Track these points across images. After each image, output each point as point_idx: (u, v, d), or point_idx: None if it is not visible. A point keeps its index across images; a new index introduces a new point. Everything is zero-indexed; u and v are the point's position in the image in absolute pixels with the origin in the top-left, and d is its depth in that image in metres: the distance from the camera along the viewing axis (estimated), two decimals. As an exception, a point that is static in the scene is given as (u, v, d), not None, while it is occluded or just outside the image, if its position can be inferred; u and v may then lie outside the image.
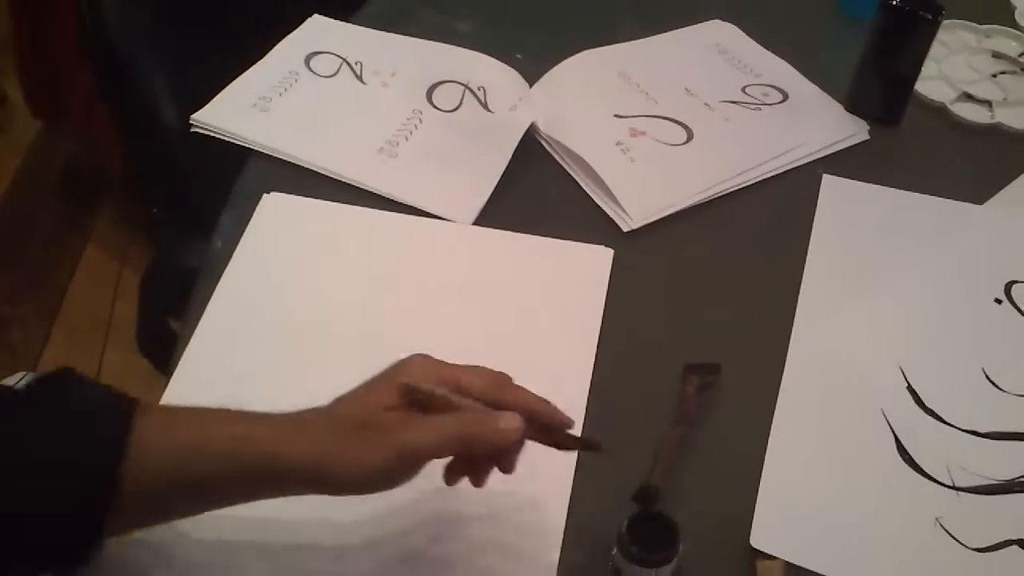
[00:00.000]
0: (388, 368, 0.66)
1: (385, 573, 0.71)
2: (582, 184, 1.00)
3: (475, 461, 0.66)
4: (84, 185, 2.25)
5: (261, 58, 1.11)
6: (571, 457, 0.77)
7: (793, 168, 1.03)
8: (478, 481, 0.67)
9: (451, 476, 0.67)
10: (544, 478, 0.75)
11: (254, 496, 0.63)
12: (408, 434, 0.61)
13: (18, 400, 0.61)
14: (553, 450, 0.73)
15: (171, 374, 0.82)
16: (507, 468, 0.66)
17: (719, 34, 1.21)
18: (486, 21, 1.20)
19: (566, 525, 0.73)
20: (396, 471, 0.62)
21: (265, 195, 0.96)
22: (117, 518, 0.59)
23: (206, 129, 1.02)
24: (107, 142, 1.88)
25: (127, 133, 1.42)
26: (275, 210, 0.95)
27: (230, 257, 0.90)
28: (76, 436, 0.59)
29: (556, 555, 0.71)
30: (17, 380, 0.62)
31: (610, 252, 0.93)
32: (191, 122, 1.03)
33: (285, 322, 0.86)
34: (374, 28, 1.18)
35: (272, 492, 0.63)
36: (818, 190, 1.01)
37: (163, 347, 0.96)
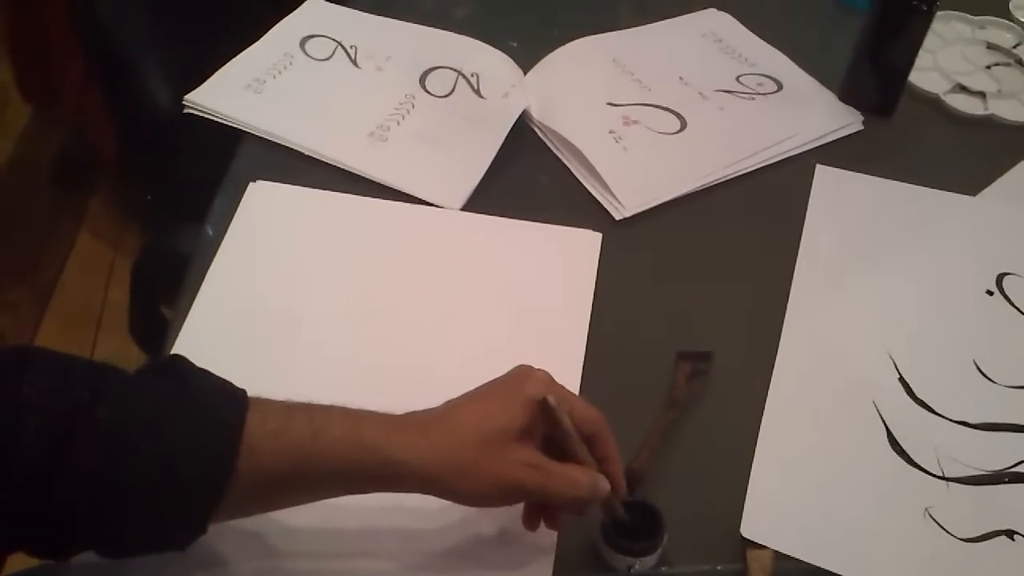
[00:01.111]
0: (508, 377, 0.66)
1: (380, 561, 0.70)
2: (574, 172, 1.00)
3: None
4: (76, 171, 2.24)
5: (256, 40, 1.11)
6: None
7: (786, 158, 1.03)
8: (555, 524, 0.69)
9: (531, 521, 0.69)
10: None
11: (362, 491, 0.64)
12: (528, 477, 0.63)
13: (137, 383, 0.61)
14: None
15: (162, 360, 0.81)
16: (558, 525, 0.69)
17: (714, 23, 1.21)
18: (481, 8, 1.20)
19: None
20: (501, 500, 0.65)
21: (251, 184, 0.95)
22: (224, 509, 0.59)
23: (198, 110, 1.02)
24: (100, 128, 1.87)
25: (120, 118, 1.41)
26: (261, 198, 0.95)
27: (221, 244, 0.90)
28: (194, 427, 0.59)
29: (553, 543, 0.71)
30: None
31: (598, 236, 0.93)
32: (184, 103, 1.02)
33: (276, 309, 0.86)
34: (370, 13, 1.17)
35: (382, 489, 0.64)
36: (811, 180, 1.01)
37: (155, 334, 0.96)
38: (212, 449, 0.58)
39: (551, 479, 0.63)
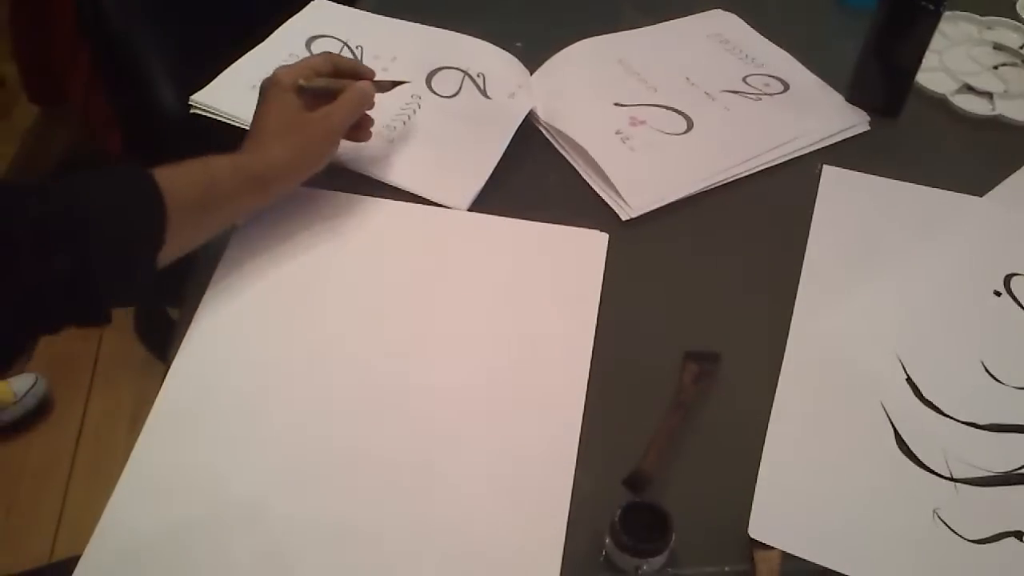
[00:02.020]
0: (265, 94, 0.88)
1: (385, 561, 0.70)
2: (581, 172, 1.00)
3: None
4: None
5: (262, 40, 1.11)
6: (572, 447, 0.77)
7: (793, 158, 1.03)
8: (364, 136, 0.96)
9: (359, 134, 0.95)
10: (545, 468, 0.75)
11: (256, 199, 0.87)
12: (331, 117, 0.89)
13: (65, 178, 0.77)
14: (554, 444, 0.77)
15: (169, 362, 0.82)
16: (366, 136, 0.96)
17: (720, 23, 1.21)
18: (488, 8, 1.20)
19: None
20: (333, 147, 0.91)
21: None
22: (170, 235, 0.77)
23: (205, 110, 1.02)
24: (105, 127, 1.88)
25: (126, 118, 1.42)
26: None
27: (227, 245, 0.90)
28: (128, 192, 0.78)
29: (560, 541, 0.71)
30: (29, 387, 0.70)
31: (605, 236, 0.92)
32: (190, 103, 1.02)
33: (282, 310, 0.86)
34: (376, 13, 1.17)
35: (257, 196, 0.87)
36: (818, 181, 1.00)
37: (160, 334, 0.96)
38: (145, 194, 0.77)
39: (339, 110, 0.89)
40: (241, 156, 0.86)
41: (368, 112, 0.94)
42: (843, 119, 1.07)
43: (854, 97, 1.10)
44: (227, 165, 0.84)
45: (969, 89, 1.13)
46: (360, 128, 0.95)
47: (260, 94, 0.89)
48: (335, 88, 0.90)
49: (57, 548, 1.65)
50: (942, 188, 1.00)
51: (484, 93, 1.07)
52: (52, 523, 1.70)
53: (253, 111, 1.00)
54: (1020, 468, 0.78)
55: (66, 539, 1.66)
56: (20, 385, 1.85)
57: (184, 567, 0.70)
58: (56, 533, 1.68)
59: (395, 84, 0.97)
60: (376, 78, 0.94)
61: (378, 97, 1.05)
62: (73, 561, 0.69)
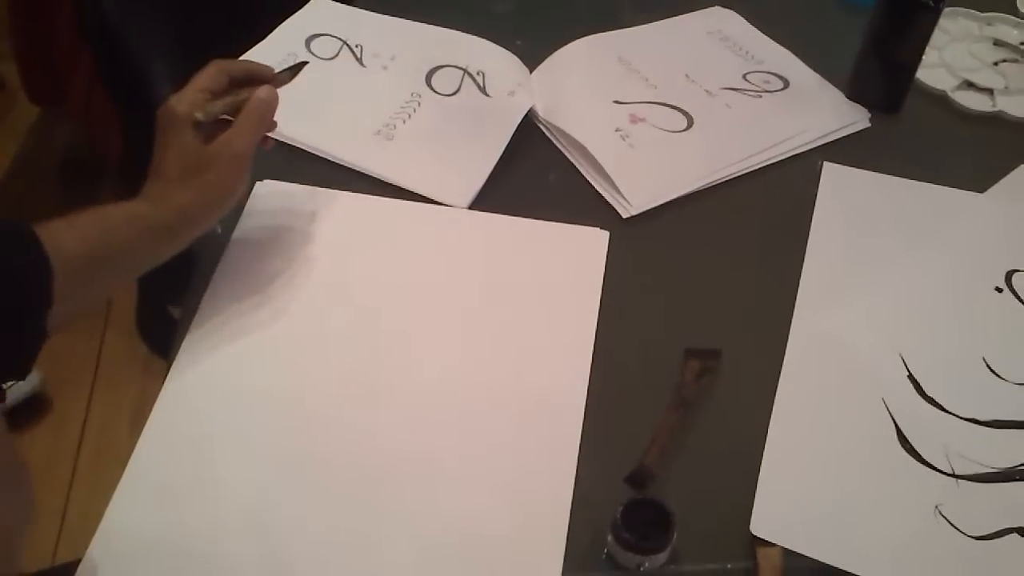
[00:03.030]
0: (161, 132, 0.80)
1: (387, 559, 0.70)
2: (581, 170, 1.00)
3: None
4: (83, 171, 2.24)
5: (262, 40, 1.11)
6: (574, 444, 0.77)
7: (793, 155, 1.03)
8: (266, 144, 0.89)
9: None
10: (547, 465, 0.75)
11: (159, 250, 0.80)
12: (234, 146, 0.81)
13: None
14: (555, 442, 0.76)
15: (171, 360, 0.82)
16: (266, 144, 0.89)
17: (720, 21, 1.21)
18: (487, 7, 1.20)
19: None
20: (243, 173, 0.82)
21: (258, 183, 0.95)
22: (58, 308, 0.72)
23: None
24: (106, 128, 1.88)
25: (126, 117, 1.42)
26: (268, 197, 0.95)
27: (228, 243, 0.90)
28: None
29: (562, 538, 0.71)
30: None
31: (606, 234, 0.92)
32: (189, 104, 1.02)
33: (283, 307, 0.86)
34: (376, 12, 1.17)
35: (170, 245, 0.80)
36: (818, 177, 1.00)
37: (162, 332, 0.96)
38: (28, 255, 0.71)
39: (243, 130, 0.82)
40: (140, 204, 0.79)
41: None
42: (843, 116, 1.07)
43: (854, 94, 1.09)
44: (122, 216, 0.77)
45: (969, 85, 1.13)
46: (265, 137, 0.88)
47: (157, 128, 0.81)
48: (235, 107, 0.83)
49: (60, 548, 1.65)
50: (943, 184, 1.00)
51: (484, 91, 1.07)
52: (55, 523, 1.70)
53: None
54: (1021, 464, 0.78)
55: (68, 539, 1.66)
56: None
57: (185, 568, 0.70)
58: (59, 533, 1.68)
59: (297, 69, 0.89)
60: (276, 71, 0.88)
61: (377, 95, 1.06)
62: (75, 565, 0.69)
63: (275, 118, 0.85)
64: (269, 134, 0.88)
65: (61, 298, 0.71)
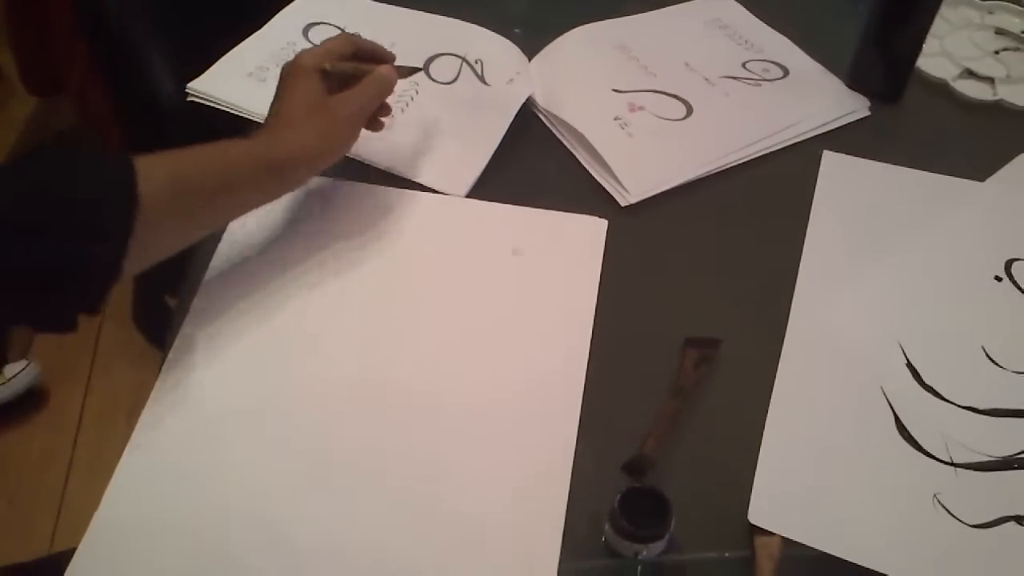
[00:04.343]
0: (286, 78, 0.84)
1: (385, 546, 0.70)
2: (580, 158, 0.99)
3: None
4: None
5: (260, 28, 1.10)
6: (571, 432, 0.76)
7: (793, 144, 1.03)
8: (379, 127, 0.93)
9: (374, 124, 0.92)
10: (544, 454, 0.75)
11: (270, 190, 0.84)
12: (352, 105, 0.85)
13: (29, 159, 0.72)
14: (553, 430, 0.77)
15: (167, 350, 0.81)
16: (379, 126, 0.93)
17: (719, 9, 1.20)
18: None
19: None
20: (353, 134, 0.87)
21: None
22: (155, 236, 0.73)
23: (202, 98, 1.01)
24: (104, 119, 1.87)
25: (123, 107, 1.41)
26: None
27: (224, 232, 0.90)
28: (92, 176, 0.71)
29: (560, 527, 0.71)
30: (19, 370, 0.68)
31: (604, 223, 0.92)
32: (187, 91, 1.02)
33: (280, 296, 0.86)
34: (373, 0, 1.17)
35: (281, 183, 0.84)
36: (818, 166, 1.00)
37: (158, 322, 0.95)
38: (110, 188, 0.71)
39: (361, 96, 0.86)
40: (258, 141, 0.82)
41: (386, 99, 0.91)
42: (843, 104, 1.07)
43: (854, 82, 1.09)
44: (243, 151, 0.80)
45: (970, 74, 1.12)
46: (375, 117, 0.92)
47: (281, 78, 0.85)
48: (358, 72, 0.87)
49: (57, 538, 1.65)
50: (943, 173, 1.00)
51: (482, 79, 1.06)
52: (52, 513, 1.70)
53: (250, 99, 1.00)
54: (1020, 453, 0.77)
55: (66, 529, 1.66)
56: (9, 367, 1.85)
57: (181, 557, 0.69)
58: (56, 523, 1.68)
59: (412, 71, 0.94)
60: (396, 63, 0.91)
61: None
62: (71, 553, 0.69)
63: None
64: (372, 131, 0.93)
65: (175, 226, 0.75)
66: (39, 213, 0.68)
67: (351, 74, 0.87)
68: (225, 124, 1.00)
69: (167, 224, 0.75)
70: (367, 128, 0.90)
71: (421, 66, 0.96)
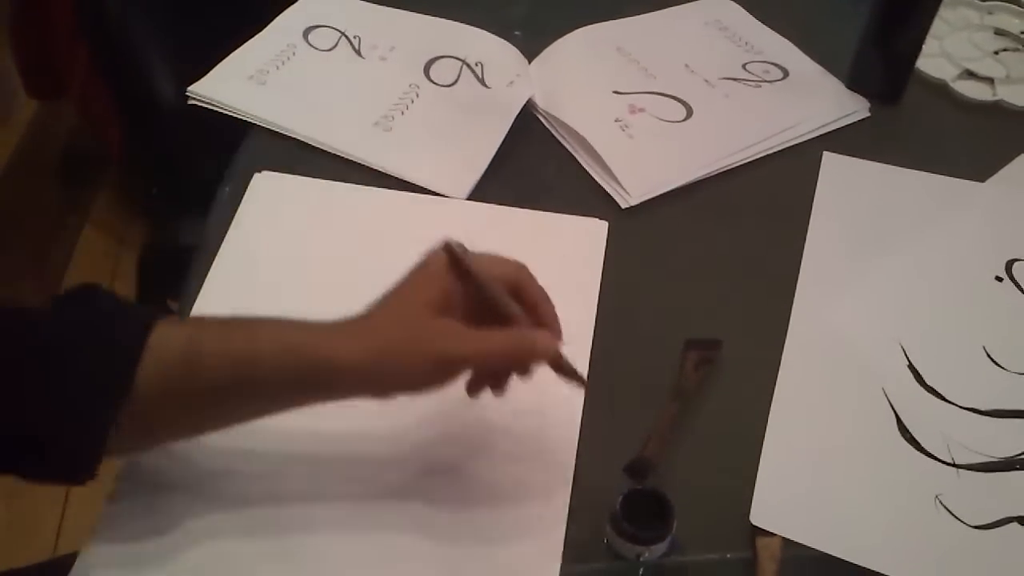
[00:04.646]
0: (416, 264, 0.66)
1: (386, 546, 0.70)
2: (580, 160, 0.99)
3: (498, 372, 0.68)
4: (82, 165, 2.24)
5: (260, 31, 1.11)
6: (573, 434, 0.76)
7: (793, 145, 1.03)
8: (501, 391, 0.68)
9: (473, 390, 0.68)
10: (546, 456, 0.75)
11: (305, 401, 0.65)
12: (452, 346, 0.63)
13: (44, 313, 0.64)
14: (554, 432, 0.76)
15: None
16: (528, 376, 0.67)
17: (719, 10, 1.20)
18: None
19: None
20: (436, 377, 0.64)
21: (256, 174, 0.95)
22: (158, 420, 0.63)
23: (202, 101, 1.02)
24: (105, 122, 1.87)
25: (125, 110, 1.41)
26: (267, 189, 0.95)
27: (226, 235, 0.90)
28: (94, 343, 0.62)
29: (562, 529, 0.71)
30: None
31: (604, 224, 0.92)
32: (187, 94, 1.02)
33: (281, 299, 0.85)
34: (374, 2, 1.17)
35: (323, 396, 0.65)
36: (818, 167, 1.00)
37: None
38: (112, 360, 0.61)
39: (479, 343, 0.64)
40: (313, 332, 0.65)
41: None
42: (843, 105, 1.07)
43: (854, 83, 1.09)
44: (280, 339, 0.64)
45: (970, 75, 1.12)
46: (493, 383, 0.68)
47: (413, 267, 0.66)
48: (490, 293, 0.65)
49: (61, 542, 1.65)
50: (943, 174, 1.00)
51: (482, 82, 1.06)
52: (56, 515, 1.70)
53: (251, 102, 0.99)
54: (1022, 454, 0.77)
55: (70, 532, 1.66)
56: None
57: (185, 561, 0.69)
58: (60, 527, 1.68)
59: (581, 382, 0.68)
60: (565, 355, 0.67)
61: (375, 87, 1.05)
62: (75, 557, 0.69)
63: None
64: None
65: (153, 414, 0.62)
66: (27, 374, 0.60)
67: (493, 301, 0.65)
68: (225, 126, 1.00)
69: (165, 414, 0.64)
70: (474, 387, 0.68)
71: (585, 379, 0.69)
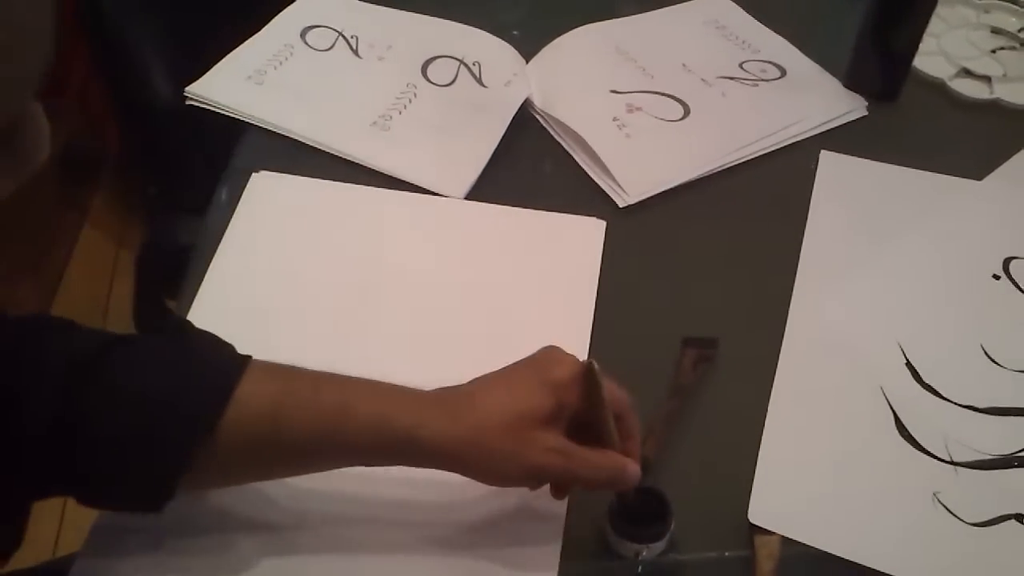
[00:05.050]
0: (536, 360, 0.66)
1: (384, 544, 0.70)
2: (578, 160, 0.99)
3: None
4: (81, 165, 2.24)
5: (258, 31, 1.11)
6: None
7: (791, 144, 1.03)
8: (562, 496, 0.69)
9: (559, 494, 0.69)
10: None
11: (386, 464, 0.65)
12: (552, 462, 0.63)
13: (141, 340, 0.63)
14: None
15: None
16: (559, 494, 0.69)
17: (717, 10, 1.20)
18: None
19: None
20: (525, 482, 0.66)
21: (254, 174, 0.95)
22: (235, 467, 0.63)
23: (200, 102, 1.02)
24: (104, 122, 1.88)
25: (123, 111, 1.41)
26: (264, 188, 0.95)
27: (224, 235, 0.90)
28: (184, 383, 0.60)
29: (560, 527, 0.71)
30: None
31: (602, 224, 0.92)
32: (185, 94, 1.02)
33: (279, 299, 0.86)
34: (371, 2, 1.17)
35: (407, 464, 0.64)
36: (816, 166, 1.00)
37: (160, 326, 0.96)
38: (197, 399, 0.60)
39: (576, 463, 0.64)
40: (412, 403, 0.64)
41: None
42: (841, 104, 1.07)
43: (852, 82, 1.09)
44: (376, 413, 0.63)
45: (967, 73, 1.12)
46: (559, 488, 0.69)
47: (534, 358, 0.66)
48: (605, 418, 0.64)
49: (60, 544, 1.65)
50: (940, 172, 1.00)
51: (480, 82, 1.06)
52: (55, 518, 1.70)
53: (248, 102, 0.99)
54: (1020, 451, 0.77)
55: (69, 534, 1.66)
56: None
57: (183, 562, 0.69)
58: (59, 528, 1.68)
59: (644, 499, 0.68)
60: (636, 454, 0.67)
61: (373, 86, 1.05)
62: (74, 559, 0.69)
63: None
64: None
65: (227, 461, 0.62)
66: (117, 409, 0.59)
67: (599, 406, 0.64)
68: (223, 127, 1.00)
69: (244, 462, 0.64)
70: (536, 485, 0.68)
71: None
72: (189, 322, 0.66)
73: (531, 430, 0.63)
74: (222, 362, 0.62)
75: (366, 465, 0.65)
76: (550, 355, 0.66)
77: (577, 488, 0.69)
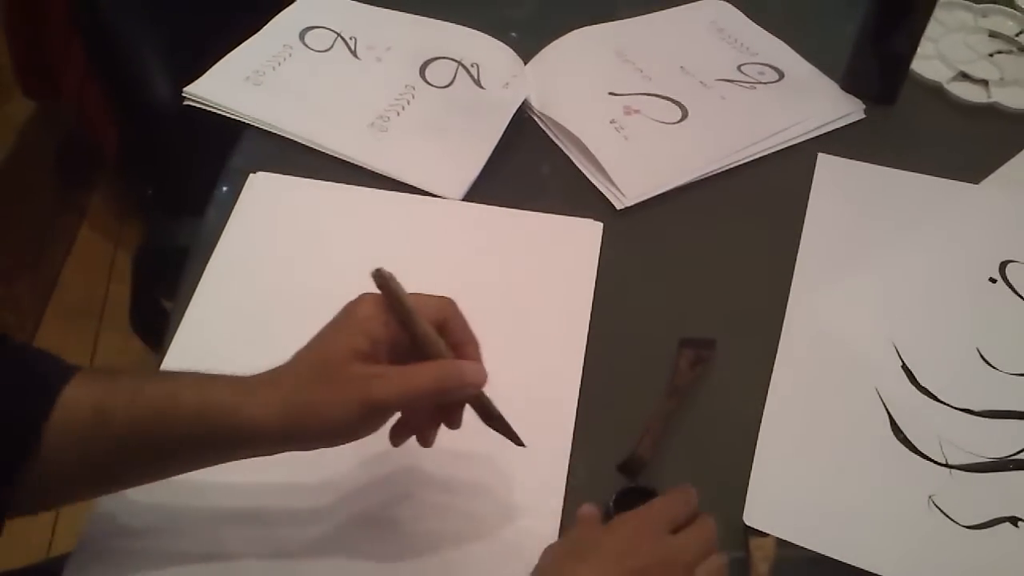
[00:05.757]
0: (341, 311, 0.64)
1: (382, 539, 0.70)
2: (575, 162, 0.99)
3: (424, 418, 0.66)
4: (78, 165, 2.24)
5: (256, 32, 1.11)
6: (567, 433, 0.77)
7: (788, 147, 1.03)
8: (427, 440, 0.67)
9: (398, 437, 0.66)
10: (540, 454, 0.75)
11: (226, 457, 0.63)
12: (377, 388, 0.60)
13: None
14: (549, 430, 0.76)
15: (163, 353, 0.81)
16: (455, 423, 0.66)
17: (715, 12, 1.21)
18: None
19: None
20: (363, 424, 0.61)
21: (252, 175, 0.95)
22: (69, 477, 0.61)
23: (198, 102, 1.02)
24: (101, 122, 1.87)
25: (120, 111, 1.41)
26: (262, 189, 0.95)
27: (221, 236, 0.90)
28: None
29: (556, 526, 0.71)
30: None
31: (599, 225, 0.92)
32: (183, 95, 1.02)
33: (276, 300, 0.86)
34: (370, 3, 1.17)
35: (243, 452, 0.63)
36: (813, 169, 1.00)
37: (157, 327, 0.96)
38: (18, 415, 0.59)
39: (404, 380, 0.61)
40: (234, 393, 0.61)
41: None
42: (838, 107, 1.07)
43: (849, 85, 1.09)
44: (200, 405, 0.61)
45: (965, 77, 1.13)
46: (425, 429, 0.67)
47: (336, 317, 0.64)
48: (416, 327, 0.63)
49: (55, 543, 1.65)
50: (937, 176, 1.00)
51: (478, 83, 1.07)
52: (49, 517, 1.69)
53: (247, 103, 0.99)
54: (1015, 454, 0.78)
55: (64, 532, 1.66)
56: None
57: (177, 560, 0.69)
58: (54, 527, 1.68)
59: (516, 441, 0.67)
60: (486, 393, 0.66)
61: (371, 88, 1.05)
62: (66, 559, 0.69)
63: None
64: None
65: (60, 474, 0.61)
66: None
67: (423, 347, 0.63)
68: (220, 126, 1.00)
69: (77, 471, 0.62)
70: (399, 433, 0.67)
71: (519, 438, 0.68)
72: (9, 336, 0.64)
73: (346, 367, 0.60)
74: (48, 368, 0.62)
75: (205, 464, 0.63)
76: (352, 301, 0.64)
77: (418, 406, 0.65)
